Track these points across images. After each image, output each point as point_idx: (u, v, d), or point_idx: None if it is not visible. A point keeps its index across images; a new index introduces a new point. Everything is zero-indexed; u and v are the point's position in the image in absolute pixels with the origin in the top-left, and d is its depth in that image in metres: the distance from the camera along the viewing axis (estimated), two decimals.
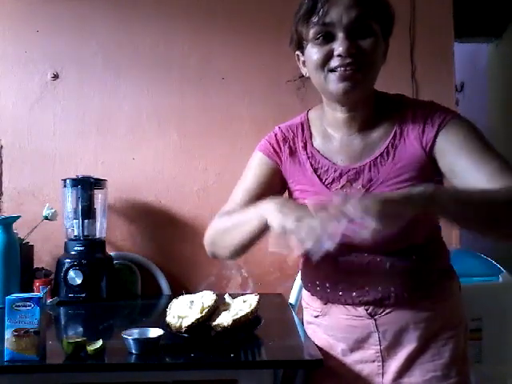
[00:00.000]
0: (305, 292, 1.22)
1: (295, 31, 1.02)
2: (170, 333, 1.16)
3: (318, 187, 1.06)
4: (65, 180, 1.79)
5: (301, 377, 1.22)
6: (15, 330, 1.02)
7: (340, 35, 0.93)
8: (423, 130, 1.00)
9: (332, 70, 0.95)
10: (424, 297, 1.06)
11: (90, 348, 1.06)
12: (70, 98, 1.95)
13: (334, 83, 0.96)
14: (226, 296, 1.29)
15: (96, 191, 1.82)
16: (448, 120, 0.99)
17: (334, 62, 0.95)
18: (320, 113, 1.13)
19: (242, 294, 1.29)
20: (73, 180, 1.78)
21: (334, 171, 1.05)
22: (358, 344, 1.09)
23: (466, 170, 0.95)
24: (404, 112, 1.04)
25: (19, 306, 1.03)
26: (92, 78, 1.95)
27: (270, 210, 0.91)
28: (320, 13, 0.93)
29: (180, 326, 1.15)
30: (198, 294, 1.29)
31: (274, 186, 1.13)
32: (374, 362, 1.08)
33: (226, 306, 1.24)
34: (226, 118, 1.97)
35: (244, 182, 1.16)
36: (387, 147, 1.02)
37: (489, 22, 2.75)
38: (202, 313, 1.17)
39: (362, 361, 1.08)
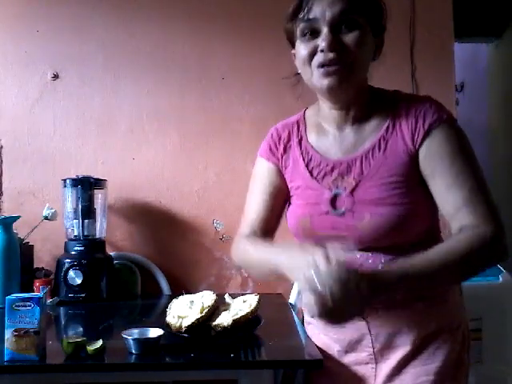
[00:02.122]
0: None
1: (285, 29, 1.04)
2: (170, 333, 1.16)
3: (309, 182, 1.08)
4: (65, 180, 1.79)
5: (301, 377, 1.22)
6: (15, 330, 1.02)
7: (324, 30, 0.95)
8: (415, 125, 1.00)
9: (318, 67, 0.97)
10: (418, 299, 1.04)
11: (90, 348, 1.06)
12: (70, 98, 1.95)
13: (319, 79, 0.98)
14: (226, 296, 1.29)
15: (96, 191, 1.82)
16: (439, 123, 0.99)
17: (319, 58, 0.96)
18: (316, 110, 1.14)
19: (242, 294, 1.29)
20: (73, 180, 1.78)
21: (326, 165, 1.06)
22: (352, 346, 1.08)
23: (438, 190, 0.98)
24: (397, 106, 1.03)
25: (19, 306, 1.02)
26: (92, 78, 1.96)
27: (287, 268, 0.96)
28: (305, 10, 0.96)
29: (180, 326, 1.15)
30: (197, 294, 1.29)
31: (282, 188, 1.15)
32: (367, 364, 1.06)
33: (226, 306, 1.24)
34: (225, 118, 1.97)
35: (254, 194, 1.18)
36: (379, 140, 1.02)
37: (489, 22, 2.75)
38: (201, 313, 1.17)
39: (356, 362, 1.08)
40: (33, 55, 1.94)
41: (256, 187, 1.18)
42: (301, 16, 0.97)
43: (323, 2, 0.95)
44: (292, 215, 1.12)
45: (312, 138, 1.12)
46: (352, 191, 1.02)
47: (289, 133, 1.15)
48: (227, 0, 1.98)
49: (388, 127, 1.02)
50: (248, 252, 1.12)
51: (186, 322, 1.15)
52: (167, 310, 1.25)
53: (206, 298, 1.24)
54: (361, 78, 1.02)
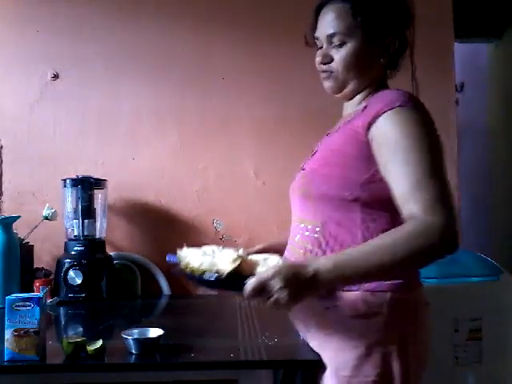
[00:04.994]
0: None
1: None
2: (200, 280, 1.00)
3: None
4: (65, 180, 1.79)
5: (301, 377, 1.22)
6: (15, 330, 1.02)
7: (322, 46, 1.12)
8: (368, 110, 1.02)
9: (320, 72, 1.14)
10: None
11: (90, 348, 1.06)
12: (70, 98, 1.95)
13: (322, 81, 1.14)
14: (241, 251, 1.04)
15: (96, 191, 1.82)
16: (387, 110, 0.98)
17: (318, 67, 1.14)
18: None
19: None
20: (73, 180, 1.78)
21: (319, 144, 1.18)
22: None
23: (389, 180, 0.97)
24: (376, 95, 1.08)
25: (19, 306, 1.03)
26: (92, 78, 1.95)
27: None
28: (315, 28, 1.13)
29: (218, 272, 0.97)
30: (206, 247, 1.11)
31: None
32: None
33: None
34: (225, 119, 1.97)
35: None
36: (349, 120, 1.08)
37: (489, 21, 2.75)
38: (236, 260, 0.98)
39: None
40: (33, 55, 1.94)
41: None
42: (315, 30, 1.14)
43: (322, 22, 1.10)
44: None
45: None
46: (313, 155, 1.14)
47: None
48: (227, 0, 1.98)
49: (358, 111, 1.07)
50: None
51: (225, 267, 0.96)
52: (181, 261, 1.09)
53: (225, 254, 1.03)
54: (350, 81, 1.11)
